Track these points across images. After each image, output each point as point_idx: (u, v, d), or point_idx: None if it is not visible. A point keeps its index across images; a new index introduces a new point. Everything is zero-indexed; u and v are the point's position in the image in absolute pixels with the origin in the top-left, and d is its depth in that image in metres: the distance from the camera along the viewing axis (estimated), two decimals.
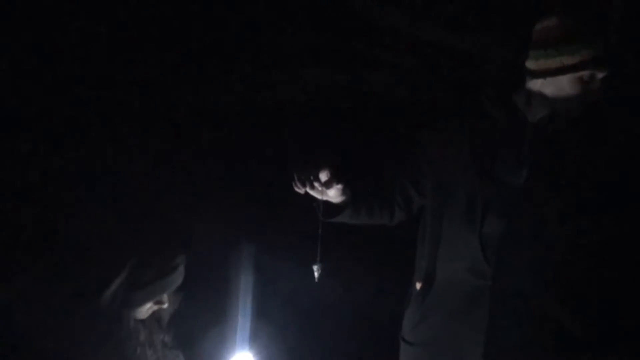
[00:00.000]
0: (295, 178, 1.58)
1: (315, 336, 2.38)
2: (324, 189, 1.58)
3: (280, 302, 2.26)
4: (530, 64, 1.61)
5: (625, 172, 1.57)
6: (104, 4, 2.09)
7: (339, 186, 1.61)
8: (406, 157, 1.83)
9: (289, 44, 2.39)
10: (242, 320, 1.90)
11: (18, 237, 1.92)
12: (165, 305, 1.68)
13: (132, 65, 2.13)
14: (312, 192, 1.62)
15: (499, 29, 2.42)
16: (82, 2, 2.06)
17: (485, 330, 1.60)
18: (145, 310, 1.65)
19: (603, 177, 1.56)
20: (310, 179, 1.56)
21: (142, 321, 1.69)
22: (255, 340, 1.82)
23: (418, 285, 1.86)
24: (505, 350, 1.59)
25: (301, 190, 1.60)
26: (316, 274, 1.57)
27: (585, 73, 1.53)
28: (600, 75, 1.54)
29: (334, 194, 1.64)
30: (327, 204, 1.68)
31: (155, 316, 1.73)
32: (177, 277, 1.63)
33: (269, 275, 2.26)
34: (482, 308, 1.61)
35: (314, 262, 1.57)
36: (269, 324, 2.07)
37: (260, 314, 2.00)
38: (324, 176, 1.57)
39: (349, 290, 2.47)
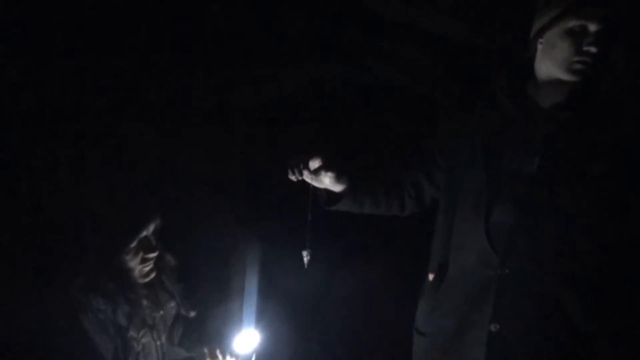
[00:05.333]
0: (288, 166, 1.62)
1: (321, 318, 2.38)
2: (314, 176, 1.60)
3: (286, 288, 2.29)
4: (531, 36, 1.57)
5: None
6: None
7: (330, 174, 1.62)
8: (420, 149, 1.83)
9: (293, 37, 2.39)
10: (248, 299, 1.97)
11: (18, 239, 2.10)
12: (155, 254, 1.74)
13: (132, 63, 2.25)
14: (306, 180, 1.64)
15: (511, 19, 2.26)
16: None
17: (491, 318, 1.55)
18: (137, 263, 1.71)
19: (617, 165, 1.46)
20: (300, 166, 1.59)
21: (146, 285, 1.79)
22: (261, 318, 1.88)
23: (431, 276, 1.82)
24: (510, 339, 1.54)
25: (293, 178, 1.63)
26: (305, 260, 1.60)
27: (574, 23, 1.44)
28: (592, 27, 1.44)
29: (329, 182, 1.66)
30: (327, 192, 1.70)
31: (159, 277, 1.82)
32: (147, 217, 1.68)
33: (275, 263, 2.29)
34: (491, 297, 1.57)
35: (304, 248, 1.59)
36: (274, 304, 2.11)
37: (266, 296, 2.05)
38: (314, 163, 1.59)
39: (359, 281, 2.44)
